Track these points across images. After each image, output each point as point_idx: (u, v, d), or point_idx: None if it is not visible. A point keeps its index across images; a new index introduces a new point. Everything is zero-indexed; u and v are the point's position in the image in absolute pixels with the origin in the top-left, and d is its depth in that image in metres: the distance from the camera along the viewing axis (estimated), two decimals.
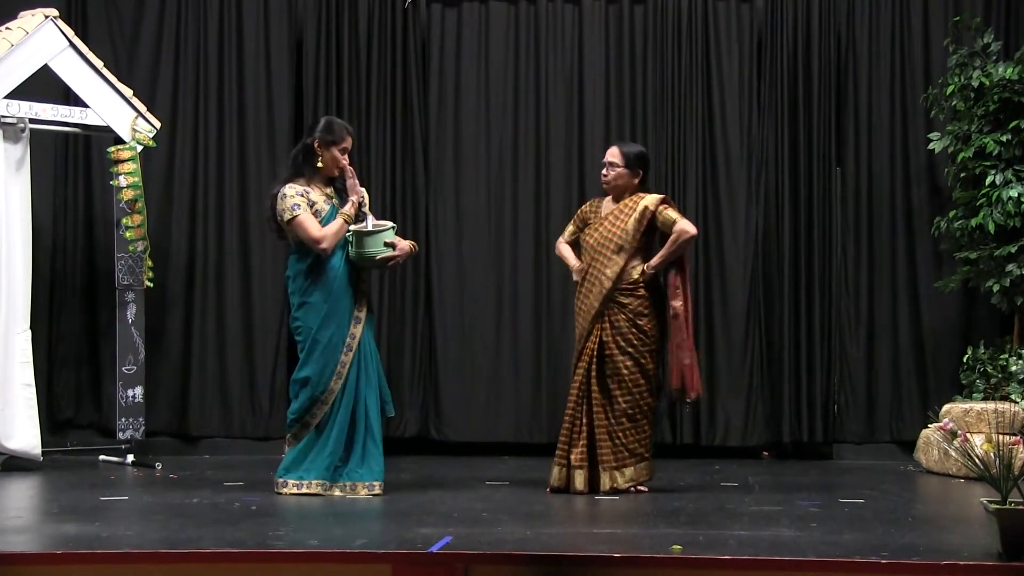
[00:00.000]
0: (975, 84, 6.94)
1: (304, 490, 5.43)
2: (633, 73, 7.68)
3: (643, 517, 4.92)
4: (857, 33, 7.62)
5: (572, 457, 5.60)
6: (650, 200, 5.70)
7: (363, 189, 5.67)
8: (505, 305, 7.64)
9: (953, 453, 6.40)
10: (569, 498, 5.50)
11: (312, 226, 5.42)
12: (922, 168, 7.56)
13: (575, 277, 5.82)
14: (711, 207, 7.60)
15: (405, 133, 7.67)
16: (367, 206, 5.64)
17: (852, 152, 7.62)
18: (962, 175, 7.05)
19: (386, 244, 5.47)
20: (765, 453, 7.64)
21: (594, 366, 5.62)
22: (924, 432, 6.89)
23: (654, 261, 5.66)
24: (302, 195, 5.48)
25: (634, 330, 5.62)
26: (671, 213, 5.68)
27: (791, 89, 7.59)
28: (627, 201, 5.75)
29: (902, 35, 7.61)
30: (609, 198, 5.84)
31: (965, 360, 7.08)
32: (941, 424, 6.50)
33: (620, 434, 5.60)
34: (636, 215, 5.66)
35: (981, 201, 6.85)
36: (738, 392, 7.49)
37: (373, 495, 5.42)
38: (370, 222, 5.52)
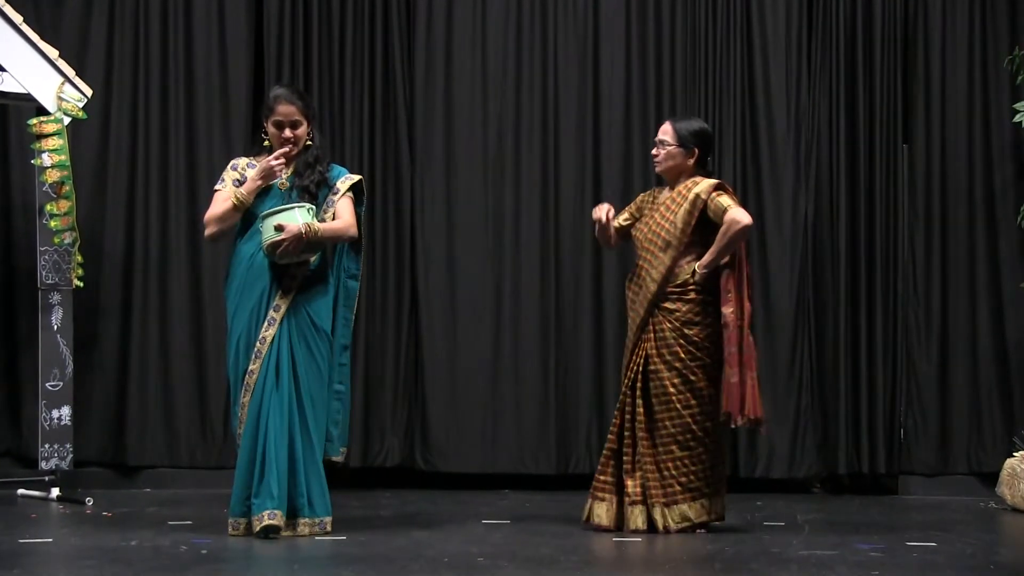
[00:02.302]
0: None
1: (230, 531, 5.45)
2: (659, 32, 7.67)
3: (672, 563, 4.91)
4: None
5: (629, 490, 5.64)
6: (702, 187, 5.71)
7: (353, 177, 5.65)
8: (505, 309, 7.63)
9: None
10: (583, 539, 5.49)
11: (212, 205, 5.59)
12: (1006, 145, 7.56)
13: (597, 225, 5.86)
14: (752, 192, 7.59)
15: (387, 104, 7.67)
16: (340, 192, 5.58)
17: (922, 126, 7.62)
18: None
19: (277, 228, 5.36)
20: (816, 487, 7.64)
21: (639, 384, 5.66)
22: (1009, 462, 6.88)
23: (705, 259, 5.65)
24: (235, 169, 5.62)
25: (681, 341, 5.64)
26: (724, 200, 5.66)
27: (849, 50, 7.59)
28: (680, 188, 5.78)
29: None
30: (668, 186, 5.90)
31: None
32: None
33: (669, 464, 5.62)
34: (687, 205, 5.69)
35: None
36: (784, 414, 7.48)
37: (270, 525, 5.30)
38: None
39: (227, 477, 7.25)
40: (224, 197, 5.54)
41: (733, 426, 5.68)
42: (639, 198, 6.04)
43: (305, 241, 5.35)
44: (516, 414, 7.57)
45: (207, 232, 5.63)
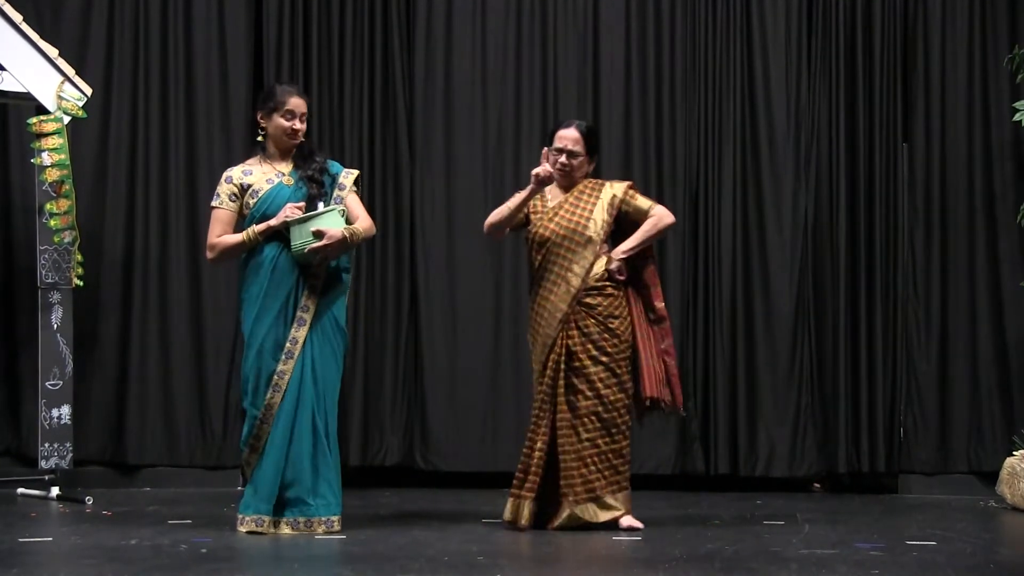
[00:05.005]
0: None
1: (243, 528, 5.46)
2: (658, 29, 7.67)
3: (671, 562, 4.91)
4: None
5: (526, 486, 5.70)
6: (618, 188, 5.88)
7: (354, 171, 5.75)
8: (505, 308, 7.62)
9: None
10: (584, 538, 5.49)
11: (214, 227, 5.62)
12: (1007, 144, 7.55)
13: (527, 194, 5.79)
14: (751, 191, 7.59)
15: (387, 104, 7.67)
16: (347, 188, 5.65)
17: (922, 125, 7.62)
18: None
19: (315, 233, 5.41)
20: (816, 485, 7.65)
21: (561, 380, 5.74)
22: (1009, 461, 6.88)
23: (625, 246, 5.78)
24: (230, 182, 5.62)
25: (606, 335, 5.72)
26: (643, 200, 5.91)
27: (848, 50, 7.59)
28: (582, 187, 5.89)
29: None
30: (554, 186, 5.93)
31: None
32: None
33: (596, 459, 5.67)
34: (604, 204, 5.81)
35: None
36: (784, 413, 7.49)
37: (332, 532, 5.42)
38: (320, 208, 5.51)
39: (227, 476, 7.31)
40: (225, 219, 5.58)
41: (678, 413, 6.00)
42: None
43: (349, 245, 5.45)
44: (516, 413, 7.54)
45: (211, 258, 5.67)
